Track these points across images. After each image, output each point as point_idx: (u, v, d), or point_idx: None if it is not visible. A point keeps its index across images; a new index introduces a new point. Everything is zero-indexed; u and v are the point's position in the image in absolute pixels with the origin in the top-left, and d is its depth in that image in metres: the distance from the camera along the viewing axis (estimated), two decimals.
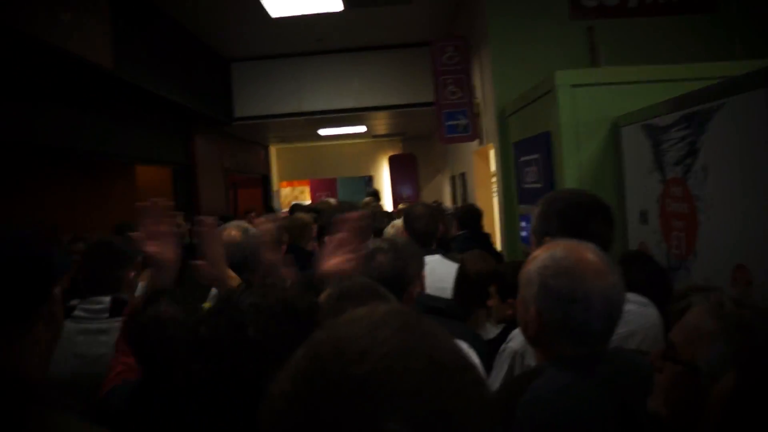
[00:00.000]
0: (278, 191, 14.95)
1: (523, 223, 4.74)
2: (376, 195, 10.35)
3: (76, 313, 2.54)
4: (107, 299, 2.55)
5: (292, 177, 15.84)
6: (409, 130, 12.93)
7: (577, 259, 1.52)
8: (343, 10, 6.86)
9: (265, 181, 13.70)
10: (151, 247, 1.96)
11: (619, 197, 3.65)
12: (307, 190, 17.31)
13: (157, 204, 2.00)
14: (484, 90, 5.96)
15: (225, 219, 5.25)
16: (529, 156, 4.49)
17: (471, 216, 5.50)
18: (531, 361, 1.89)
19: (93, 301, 2.56)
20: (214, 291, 3.10)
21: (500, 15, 5.40)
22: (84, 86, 5.37)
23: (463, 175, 8.21)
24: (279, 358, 0.97)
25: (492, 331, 2.98)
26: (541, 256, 1.57)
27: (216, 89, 8.44)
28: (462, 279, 3.08)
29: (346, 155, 15.02)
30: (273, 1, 6.36)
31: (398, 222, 6.07)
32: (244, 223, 2.65)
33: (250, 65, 8.89)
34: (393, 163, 14.75)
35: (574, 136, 3.75)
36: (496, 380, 2.01)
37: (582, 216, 2.07)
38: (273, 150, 14.35)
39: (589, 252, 1.55)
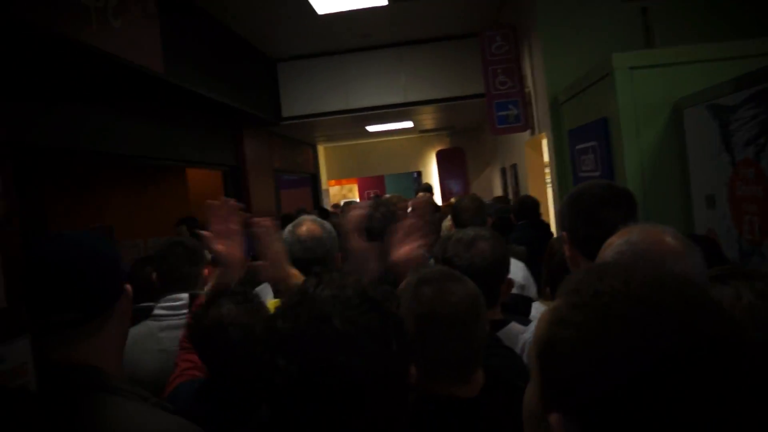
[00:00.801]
0: (327, 190, 14.98)
1: None
2: (429, 189, 10.29)
3: (156, 311, 2.61)
4: (185, 296, 2.60)
5: (340, 175, 15.87)
6: (457, 124, 12.83)
7: (654, 241, 1.47)
8: (387, 5, 6.82)
9: (314, 180, 13.74)
10: (220, 246, 1.98)
11: (684, 182, 3.52)
12: (355, 188, 17.35)
13: (227, 203, 2.03)
14: (535, 78, 5.84)
15: (283, 219, 5.36)
16: (586, 144, 4.37)
17: (529, 206, 5.47)
18: None
19: (172, 298, 2.62)
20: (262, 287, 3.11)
21: (549, 0, 5.27)
22: (135, 92, 5.44)
23: (514, 166, 8.08)
24: (365, 349, 0.99)
25: None
26: (615, 242, 1.52)
27: (263, 90, 8.48)
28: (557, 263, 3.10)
29: (394, 151, 14.97)
30: None
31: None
32: (318, 218, 2.60)
33: (296, 64, 8.90)
34: (441, 157, 14.65)
35: (634, 121, 3.63)
36: None
37: (590, 205, 2.00)
38: (321, 149, 14.39)
39: (666, 234, 1.49)
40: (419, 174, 15.58)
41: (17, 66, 4.03)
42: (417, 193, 9.41)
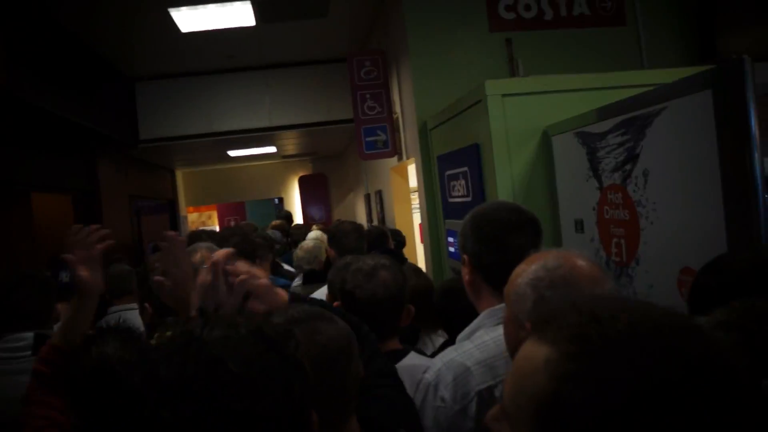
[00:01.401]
0: (186, 217, 14.44)
1: (450, 239, 4.66)
2: (288, 217, 10.18)
3: None
4: (30, 335, 2.30)
5: (199, 202, 15.35)
6: (320, 150, 12.79)
7: (571, 266, 1.45)
8: (255, 25, 6.68)
9: (171, 207, 13.21)
10: (84, 273, 1.80)
11: (553, 207, 3.62)
12: (214, 214, 16.89)
13: (87, 229, 1.87)
14: (404, 104, 5.89)
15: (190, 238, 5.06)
16: (456, 169, 4.42)
17: (377, 237, 5.50)
18: (444, 392, 1.74)
19: (13, 338, 2.30)
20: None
21: (419, 28, 5.36)
22: None
23: (379, 192, 8.12)
24: (267, 394, 0.87)
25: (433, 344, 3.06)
26: (529, 268, 1.50)
27: (120, 110, 8.03)
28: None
29: (255, 177, 14.70)
30: (183, 15, 6.11)
31: (314, 234, 5.98)
32: (213, 245, 2.42)
33: (156, 84, 8.52)
34: (303, 183, 14.57)
35: (505, 147, 3.70)
36: (422, 415, 1.85)
37: (497, 231, 1.98)
38: (179, 174, 13.87)
39: (580, 259, 1.48)
40: (281, 200, 15.39)
41: None
42: (276, 220, 9.30)
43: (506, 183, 3.69)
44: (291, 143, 11.36)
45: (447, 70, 5.29)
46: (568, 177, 3.46)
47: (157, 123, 8.54)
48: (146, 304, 2.45)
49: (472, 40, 5.38)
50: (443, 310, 2.99)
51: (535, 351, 0.79)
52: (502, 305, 1.64)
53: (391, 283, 2.09)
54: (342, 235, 3.93)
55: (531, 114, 3.72)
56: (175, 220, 13.16)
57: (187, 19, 6.28)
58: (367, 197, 9.65)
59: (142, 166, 10.52)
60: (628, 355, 0.69)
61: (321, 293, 3.21)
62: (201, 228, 10.07)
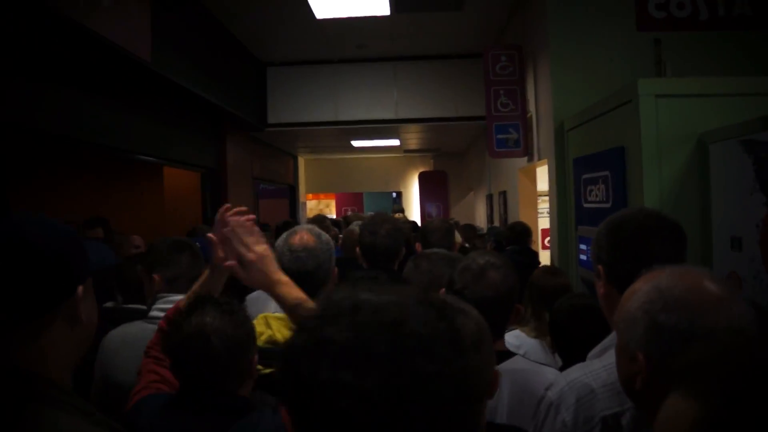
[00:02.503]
0: (305, 203, 14.67)
1: (583, 246, 4.37)
2: (401, 210, 10.11)
3: (153, 313, 2.40)
4: (183, 297, 2.33)
5: (318, 189, 15.57)
6: (443, 146, 12.63)
7: (690, 286, 1.24)
8: (389, 15, 6.59)
9: (291, 192, 13.43)
10: (221, 252, 1.82)
11: (705, 221, 3.29)
12: (332, 203, 17.10)
13: (236, 210, 1.87)
14: (539, 103, 5.62)
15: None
16: (595, 173, 4.13)
17: (519, 232, 5.39)
18: (566, 415, 1.57)
19: (170, 300, 2.37)
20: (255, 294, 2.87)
21: (561, 23, 5.08)
22: (117, 79, 5.11)
23: (504, 193, 7.85)
24: (444, 357, 0.83)
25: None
26: (641, 289, 1.29)
27: (251, 93, 8.18)
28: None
29: (376, 170, 14.73)
30: (320, 1, 6.10)
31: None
32: (314, 228, 2.35)
33: (287, 70, 8.63)
34: (423, 179, 14.45)
35: (656, 152, 3.40)
36: None
37: (635, 235, 1.75)
38: (301, 160, 14.10)
39: (703, 277, 1.26)
40: (398, 194, 15.36)
41: None
42: (393, 214, 9.21)
43: (653, 190, 3.39)
44: (414, 137, 11.27)
45: (588, 69, 4.98)
46: (727, 189, 3.12)
47: (285, 108, 8.64)
48: None
49: (618, 39, 5.04)
50: (563, 330, 2.76)
51: (682, 408, 0.67)
52: None
53: (500, 284, 1.94)
54: (429, 232, 3.78)
55: (686, 118, 3.41)
56: (294, 206, 13.38)
57: (323, 5, 6.26)
58: (489, 198, 9.40)
59: (266, 150, 10.72)
60: None
61: None
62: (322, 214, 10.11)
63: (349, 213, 13.22)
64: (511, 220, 7.26)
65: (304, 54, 8.36)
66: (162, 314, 2.29)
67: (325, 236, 2.31)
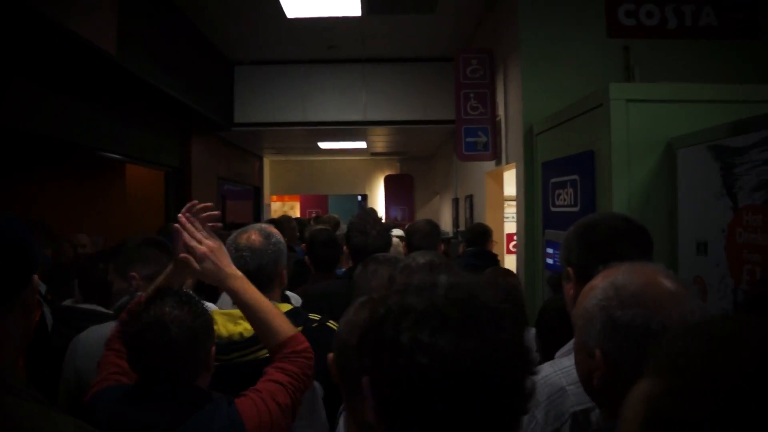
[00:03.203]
0: (269, 205, 14.55)
1: (550, 250, 4.39)
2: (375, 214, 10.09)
3: None
4: None
5: (283, 191, 15.45)
6: (410, 150, 12.63)
7: (645, 282, 1.26)
8: (361, 16, 6.57)
9: (256, 194, 13.31)
10: (182, 250, 1.87)
11: (672, 225, 3.32)
12: (297, 205, 17.02)
13: (203, 206, 1.95)
14: (508, 106, 5.64)
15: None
16: (564, 177, 4.15)
17: (479, 233, 5.42)
18: (537, 412, 1.62)
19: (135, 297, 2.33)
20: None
21: (533, 28, 5.10)
22: (80, 71, 4.98)
23: (470, 197, 7.87)
24: (511, 331, 0.94)
25: None
26: (598, 286, 1.31)
27: (217, 92, 8.07)
28: None
29: (341, 172, 14.68)
30: (290, 1, 6.05)
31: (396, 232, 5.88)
32: (267, 227, 2.31)
33: (255, 69, 8.54)
34: (389, 182, 14.45)
35: (626, 156, 3.42)
36: None
37: (606, 238, 1.79)
38: (267, 161, 13.98)
39: (657, 274, 1.28)
40: (364, 197, 15.33)
41: None
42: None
43: (622, 195, 3.41)
44: (382, 140, 11.25)
45: (558, 74, 5.01)
46: (694, 194, 3.15)
47: (252, 108, 8.56)
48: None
49: (588, 45, 5.08)
50: (551, 330, 2.76)
51: (638, 386, 0.72)
52: None
53: None
54: (414, 233, 3.81)
55: (656, 123, 3.43)
56: (259, 207, 13.26)
57: (294, 4, 6.21)
58: (455, 202, 9.42)
59: (232, 150, 10.61)
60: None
61: None
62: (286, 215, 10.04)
63: (314, 215, 13.18)
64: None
65: (273, 53, 8.28)
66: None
67: (276, 237, 2.29)
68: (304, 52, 8.19)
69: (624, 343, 1.20)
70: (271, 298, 2.07)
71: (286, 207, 17.18)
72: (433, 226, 3.95)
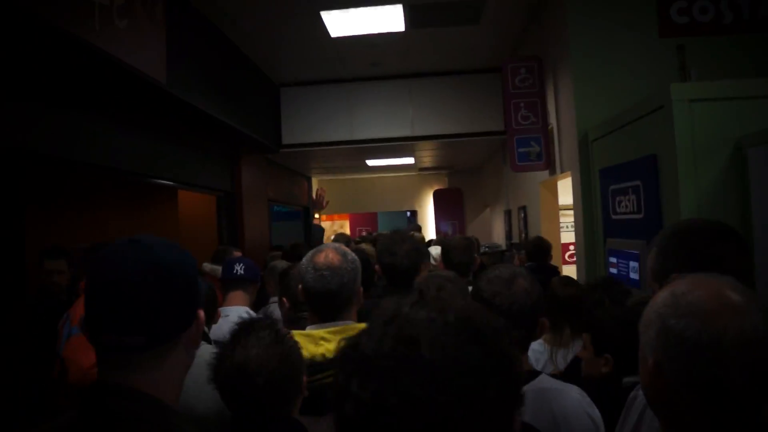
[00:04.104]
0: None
1: (613, 259, 4.24)
2: (419, 229, 10.07)
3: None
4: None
5: (332, 210, 15.43)
6: (458, 164, 12.53)
7: (708, 293, 1.18)
8: (404, 31, 6.53)
9: (305, 214, 13.34)
10: None
11: (746, 230, 3.15)
12: (346, 224, 16.98)
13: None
14: (560, 114, 5.52)
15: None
16: (625, 183, 4.01)
17: (540, 249, 5.31)
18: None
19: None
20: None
21: (582, 34, 4.98)
22: (132, 101, 5.04)
23: (523, 208, 7.72)
24: (455, 387, 0.82)
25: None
26: (661, 293, 1.26)
27: (265, 114, 8.11)
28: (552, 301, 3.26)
29: (390, 189, 14.63)
30: (334, 18, 6.05)
31: (434, 250, 5.80)
32: (341, 246, 2.28)
33: (300, 90, 8.57)
34: (438, 197, 14.35)
35: (691, 159, 3.29)
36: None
37: (703, 240, 1.70)
38: (315, 181, 14.02)
39: (721, 285, 1.20)
40: (413, 213, 15.24)
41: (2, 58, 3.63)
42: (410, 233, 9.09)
43: (690, 199, 3.27)
44: (429, 155, 11.18)
45: (610, 78, 4.88)
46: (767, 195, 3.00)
47: (300, 128, 8.58)
48: (284, 299, 2.71)
49: (640, 46, 4.94)
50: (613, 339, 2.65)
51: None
52: None
53: (530, 291, 1.94)
54: (450, 249, 3.86)
55: (721, 122, 3.30)
56: (308, 227, 13.28)
57: (338, 24, 6.21)
58: (508, 213, 9.27)
59: (280, 171, 10.65)
60: None
61: None
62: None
63: (364, 233, 13.14)
64: (532, 235, 7.14)
65: (317, 73, 8.31)
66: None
67: (352, 255, 2.25)
68: (348, 71, 8.19)
69: (675, 353, 1.16)
70: (349, 317, 2.09)
71: (335, 226, 17.19)
72: (469, 241, 3.99)
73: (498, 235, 10.54)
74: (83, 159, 4.56)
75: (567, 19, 5.02)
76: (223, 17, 6.03)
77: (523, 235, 7.66)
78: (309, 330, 2.09)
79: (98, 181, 7.29)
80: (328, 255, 2.17)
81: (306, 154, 9.49)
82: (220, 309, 3.48)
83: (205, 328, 2.43)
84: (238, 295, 3.55)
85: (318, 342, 2.04)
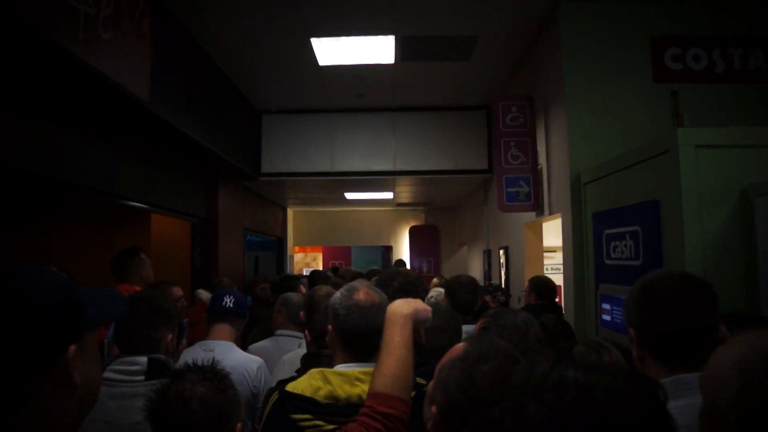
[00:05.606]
0: (292, 256, 14.33)
1: (607, 305, 4.10)
2: (403, 265, 9.92)
3: (107, 374, 2.17)
4: (144, 359, 2.20)
5: (306, 242, 15.21)
6: (437, 200, 12.42)
7: None
8: (392, 64, 6.44)
9: (279, 245, 13.11)
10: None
11: (751, 279, 3.05)
12: (319, 257, 16.78)
13: None
14: (551, 155, 5.42)
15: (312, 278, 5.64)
16: (621, 228, 3.89)
17: (547, 287, 5.22)
18: None
19: (127, 361, 2.20)
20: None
21: (578, 76, 4.92)
22: (110, 117, 4.82)
23: (506, 248, 7.59)
24: None
25: None
26: (731, 350, 1.21)
27: (245, 141, 7.93)
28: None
29: (365, 223, 14.46)
30: (324, 46, 5.94)
31: (438, 290, 5.64)
32: (370, 284, 2.25)
33: (282, 119, 8.43)
34: (414, 233, 14.21)
35: (696, 205, 3.18)
36: None
37: (666, 297, 1.74)
38: (290, 212, 13.82)
39: None
40: (388, 248, 15.06)
41: None
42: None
43: (695, 246, 3.15)
44: (408, 191, 11.06)
45: (604, 121, 4.83)
46: None
47: (280, 157, 8.42)
48: (306, 332, 2.70)
49: (634, 90, 4.91)
50: None
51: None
52: (678, 376, 1.59)
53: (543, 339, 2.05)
54: (457, 288, 3.77)
55: (728, 169, 3.21)
56: (282, 258, 13.05)
57: (327, 51, 6.09)
58: (487, 253, 9.13)
59: (257, 200, 10.45)
60: None
61: None
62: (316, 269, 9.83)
63: (337, 266, 12.91)
64: (514, 276, 7.00)
65: (301, 102, 8.17)
66: (118, 377, 2.18)
67: (381, 291, 2.20)
68: (332, 101, 8.07)
69: (763, 410, 1.10)
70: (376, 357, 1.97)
71: (308, 258, 16.96)
72: (474, 280, 3.93)
73: (476, 274, 10.40)
74: (52, 174, 4.29)
75: (562, 62, 4.96)
76: (210, 37, 5.87)
77: (506, 275, 7.51)
78: (341, 369, 2.00)
79: (66, 200, 6.99)
80: (368, 293, 2.11)
81: (284, 184, 9.32)
82: (204, 342, 3.28)
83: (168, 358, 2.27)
84: (224, 328, 3.33)
85: (353, 383, 1.95)
